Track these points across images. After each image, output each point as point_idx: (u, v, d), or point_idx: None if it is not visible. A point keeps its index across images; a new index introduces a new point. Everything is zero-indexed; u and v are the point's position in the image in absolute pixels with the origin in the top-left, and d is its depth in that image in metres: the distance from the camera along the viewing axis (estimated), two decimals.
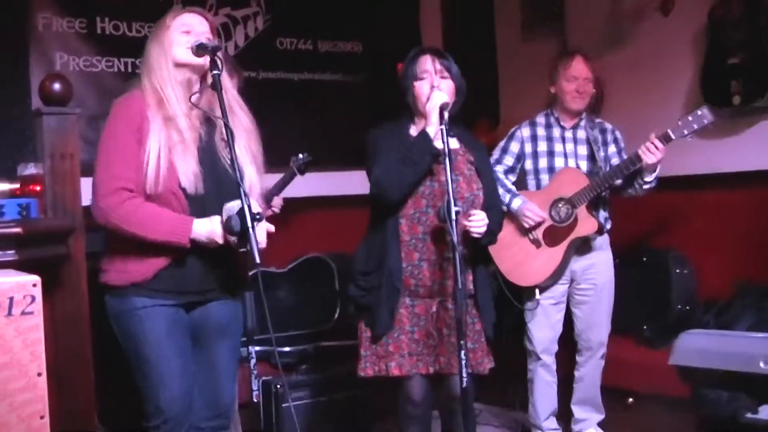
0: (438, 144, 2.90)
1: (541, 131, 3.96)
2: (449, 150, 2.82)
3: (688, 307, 4.43)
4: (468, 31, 5.70)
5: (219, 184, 2.67)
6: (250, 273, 2.45)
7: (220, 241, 2.57)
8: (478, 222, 2.94)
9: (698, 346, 3.06)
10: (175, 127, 2.59)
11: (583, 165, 3.91)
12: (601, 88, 5.15)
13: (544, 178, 3.92)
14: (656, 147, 3.58)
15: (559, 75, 3.91)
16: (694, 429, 3.52)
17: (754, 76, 4.23)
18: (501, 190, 3.74)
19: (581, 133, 3.95)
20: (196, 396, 2.75)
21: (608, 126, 4.02)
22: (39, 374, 1.94)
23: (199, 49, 2.61)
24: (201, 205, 2.61)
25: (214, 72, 2.58)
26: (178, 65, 2.67)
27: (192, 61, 2.67)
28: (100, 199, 2.50)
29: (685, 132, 3.57)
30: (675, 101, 4.72)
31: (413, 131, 3.06)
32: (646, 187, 3.74)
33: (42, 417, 1.94)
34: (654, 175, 3.69)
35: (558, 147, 3.93)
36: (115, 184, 2.52)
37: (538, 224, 3.84)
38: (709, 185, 4.57)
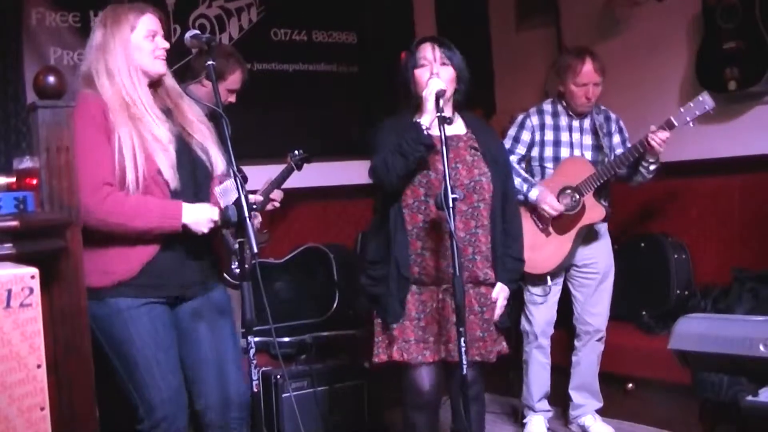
0: (434, 132, 2.89)
1: (548, 120, 3.97)
2: (446, 138, 2.82)
3: (686, 293, 4.44)
4: (462, 21, 5.69)
5: (194, 173, 2.69)
6: (248, 264, 2.44)
7: (205, 229, 2.58)
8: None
9: (697, 331, 3.05)
10: (144, 125, 2.59)
11: (588, 155, 3.93)
12: None
13: (549, 167, 3.94)
14: (663, 137, 3.62)
15: (569, 77, 3.90)
16: (695, 413, 3.52)
17: (750, 61, 4.22)
18: (518, 180, 3.75)
19: (587, 123, 3.96)
20: (207, 394, 2.76)
21: (612, 115, 4.04)
22: (38, 366, 1.93)
23: (193, 40, 2.62)
24: (180, 195, 2.62)
25: (209, 63, 2.59)
26: (142, 71, 2.67)
27: (158, 71, 2.68)
28: (83, 198, 2.42)
29: (688, 118, 3.61)
30: (670, 88, 4.71)
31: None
32: (652, 168, 3.79)
33: (42, 409, 1.93)
34: (657, 156, 3.73)
35: (564, 136, 3.94)
36: (95, 180, 2.50)
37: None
38: (706, 171, 4.57)
